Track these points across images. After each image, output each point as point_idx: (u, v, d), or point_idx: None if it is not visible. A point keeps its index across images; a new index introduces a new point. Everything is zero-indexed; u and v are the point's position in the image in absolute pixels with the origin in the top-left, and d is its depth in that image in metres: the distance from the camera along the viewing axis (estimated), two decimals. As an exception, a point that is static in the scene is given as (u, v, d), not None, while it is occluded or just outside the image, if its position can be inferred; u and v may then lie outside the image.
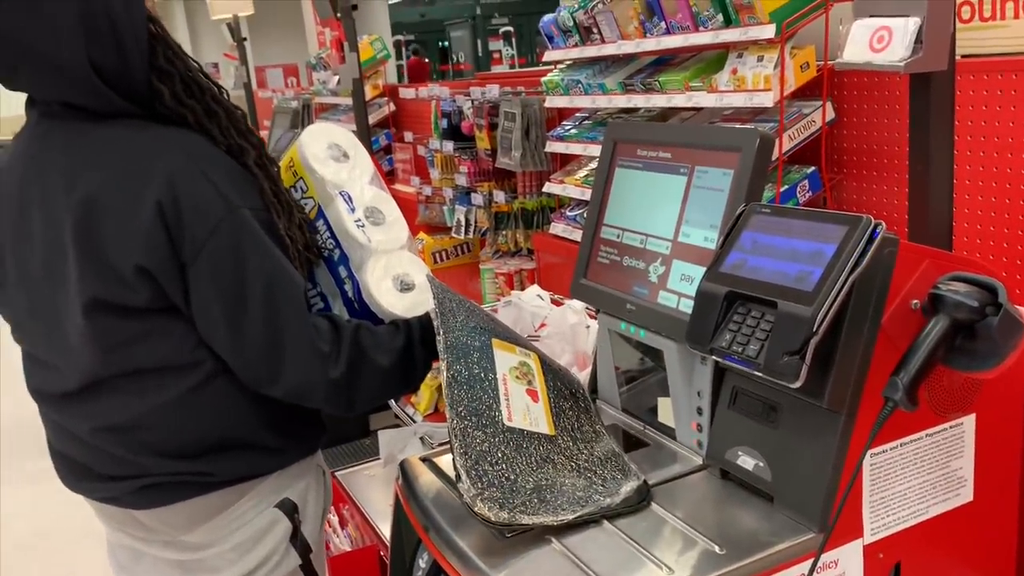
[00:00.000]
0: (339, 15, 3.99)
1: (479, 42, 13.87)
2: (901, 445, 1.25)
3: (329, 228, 1.48)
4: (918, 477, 1.27)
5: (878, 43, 1.29)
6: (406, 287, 1.48)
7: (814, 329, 1.10)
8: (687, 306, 1.39)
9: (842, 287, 1.10)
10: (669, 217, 1.47)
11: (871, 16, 1.31)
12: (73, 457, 1.36)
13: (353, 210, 1.47)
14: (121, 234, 1.19)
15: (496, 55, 13.64)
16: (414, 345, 1.38)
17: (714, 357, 1.23)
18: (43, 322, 1.30)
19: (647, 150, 1.54)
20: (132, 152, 1.23)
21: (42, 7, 1.14)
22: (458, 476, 1.21)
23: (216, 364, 1.28)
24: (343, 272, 1.48)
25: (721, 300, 1.23)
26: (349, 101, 4.53)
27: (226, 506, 1.34)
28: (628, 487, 1.31)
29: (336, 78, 4.77)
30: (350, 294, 1.47)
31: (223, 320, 1.23)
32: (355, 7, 4.00)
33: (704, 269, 1.36)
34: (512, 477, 1.24)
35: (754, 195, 1.32)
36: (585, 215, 2.68)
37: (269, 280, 1.23)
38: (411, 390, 1.46)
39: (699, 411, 1.43)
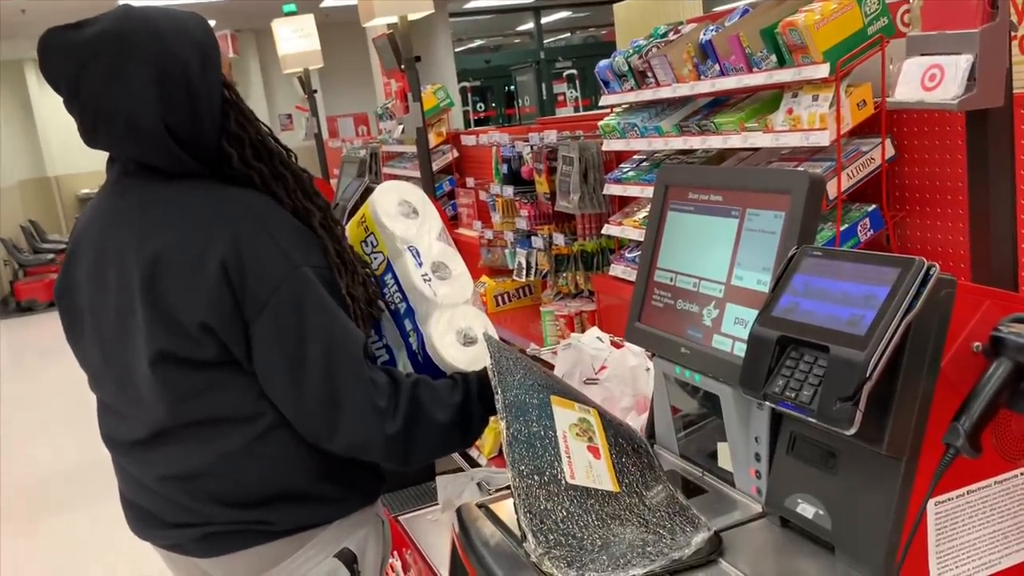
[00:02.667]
0: (403, 67, 4.10)
1: (543, 86, 14.03)
2: (968, 493, 1.20)
3: (397, 282, 1.52)
4: (988, 526, 1.22)
5: (930, 81, 1.28)
6: (469, 341, 1.51)
7: (867, 374, 1.07)
8: (741, 350, 1.37)
9: (895, 331, 1.08)
10: (721, 260, 1.46)
11: (922, 54, 1.30)
12: (141, 505, 1.41)
13: (420, 264, 1.50)
14: (186, 292, 1.24)
15: (560, 97, 13.77)
16: (472, 400, 1.39)
17: (767, 403, 1.21)
18: (115, 373, 1.36)
19: (698, 193, 1.54)
20: (199, 212, 1.28)
21: (122, 72, 1.21)
22: (523, 535, 1.21)
23: (277, 416, 1.31)
24: (408, 325, 1.51)
25: (773, 344, 1.21)
26: (414, 149, 4.64)
27: (286, 556, 1.36)
28: (699, 538, 1.28)
29: (400, 127, 4.90)
30: (414, 347, 1.50)
31: (283, 376, 1.26)
32: (418, 59, 4.11)
33: (757, 312, 1.35)
34: (579, 535, 1.24)
35: (806, 237, 1.31)
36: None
37: (328, 337, 1.26)
38: (468, 445, 1.47)
39: (757, 457, 1.40)
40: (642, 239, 2.76)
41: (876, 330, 1.08)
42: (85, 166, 14.56)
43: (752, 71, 2.10)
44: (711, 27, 2.29)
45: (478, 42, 18.26)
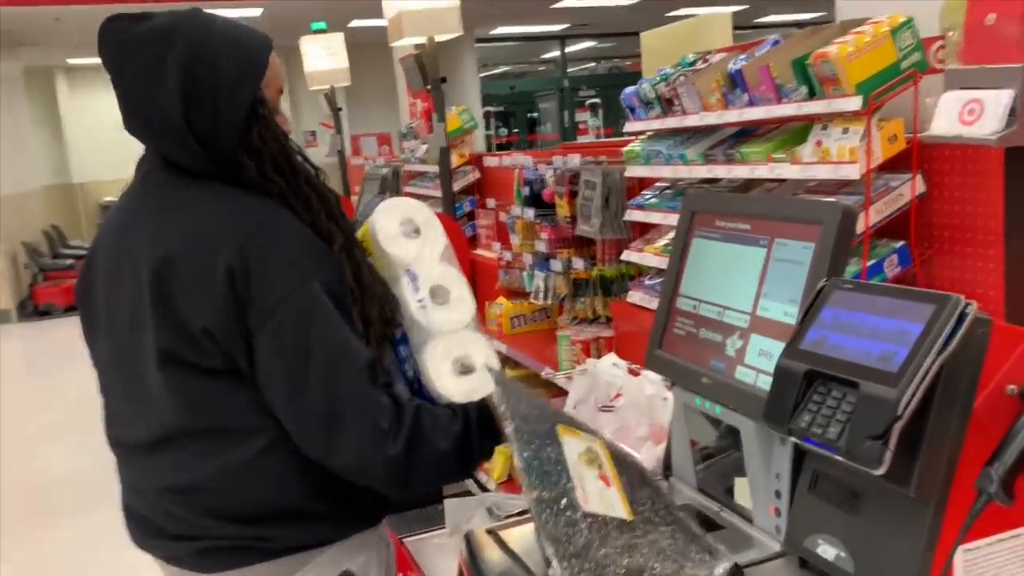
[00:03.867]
0: (429, 87, 4.11)
1: (566, 113, 14.09)
2: (999, 541, 1.16)
3: None
4: (1019, 577, 1.18)
5: (969, 115, 1.25)
6: (466, 369, 1.47)
7: (898, 413, 1.04)
8: (765, 383, 1.34)
9: (929, 369, 1.04)
10: (747, 290, 1.43)
11: (961, 88, 1.27)
12: (142, 514, 1.39)
13: (417, 290, 1.46)
14: (192, 295, 1.23)
15: (582, 126, 13.82)
16: (471, 431, 1.36)
17: (792, 438, 1.18)
18: (124, 373, 1.35)
19: (725, 221, 1.52)
20: (213, 215, 1.28)
21: (159, 66, 1.24)
22: (548, 563, 1.17)
23: (280, 431, 1.28)
24: (404, 352, 1.48)
25: (800, 378, 1.18)
26: (436, 169, 4.64)
27: (286, 574, 1.33)
28: (721, 569, 1.24)
29: (424, 147, 4.91)
30: (410, 375, 1.47)
31: (284, 390, 1.24)
32: (444, 80, 4.12)
33: (783, 344, 1.32)
34: (602, 562, 1.20)
35: (836, 270, 1.28)
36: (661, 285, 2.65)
37: (333, 354, 1.24)
38: (466, 475, 1.44)
39: (777, 494, 1.36)
40: (663, 267, 2.73)
41: (909, 368, 1.05)
42: (109, 174, 14.72)
43: (781, 102, 2.08)
44: (741, 57, 2.27)
45: (503, 68, 18.39)
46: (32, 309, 9.91)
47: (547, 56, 17.09)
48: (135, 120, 1.31)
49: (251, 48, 1.31)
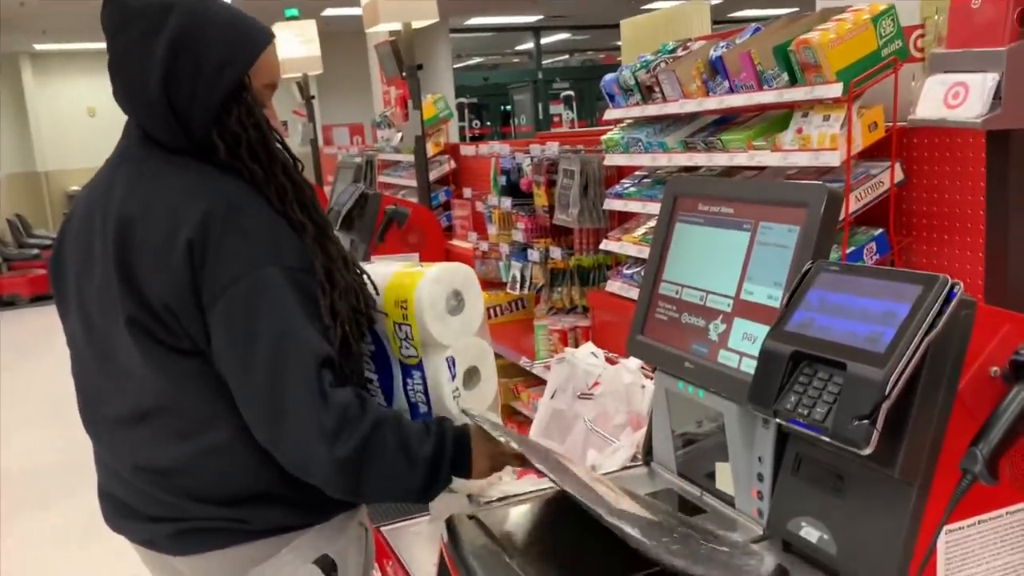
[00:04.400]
0: (405, 74, 4.08)
1: (540, 105, 14.07)
2: (980, 523, 1.17)
3: (424, 383, 1.44)
4: (999, 558, 1.18)
5: (953, 99, 1.25)
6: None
7: (886, 393, 1.04)
8: (749, 366, 1.34)
9: (916, 349, 1.04)
10: (731, 274, 1.43)
11: (946, 71, 1.27)
12: (117, 495, 1.37)
13: (453, 377, 1.43)
14: (153, 265, 1.23)
15: (556, 118, 13.82)
16: (443, 459, 1.31)
17: (777, 420, 1.17)
18: (97, 344, 1.33)
19: (709, 205, 1.51)
20: (180, 188, 1.27)
21: (149, 38, 1.25)
22: (621, 532, 1.14)
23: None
24: (417, 381, 1.46)
25: (786, 360, 1.17)
26: (411, 158, 4.60)
27: (262, 559, 1.32)
28: (767, 565, 1.17)
29: (399, 135, 4.87)
30: (422, 411, 1.46)
31: (232, 372, 1.22)
32: (420, 67, 4.08)
33: (768, 328, 1.31)
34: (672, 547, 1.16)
35: (821, 252, 1.28)
36: (642, 272, 2.64)
37: (280, 342, 1.21)
38: (423, 502, 1.40)
39: (760, 477, 1.36)
40: (642, 256, 2.73)
41: (896, 348, 1.04)
42: (76, 163, 14.49)
43: (763, 89, 2.08)
44: (722, 44, 2.27)
45: (476, 60, 18.33)
46: (-4, 299, 9.73)
47: (521, 48, 17.06)
48: (119, 88, 1.31)
49: (245, 35, 1.30)
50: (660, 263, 1.60)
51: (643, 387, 2.15)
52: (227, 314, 1.20)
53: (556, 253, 3.19)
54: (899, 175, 1.94)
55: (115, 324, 1.27)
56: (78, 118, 14.37)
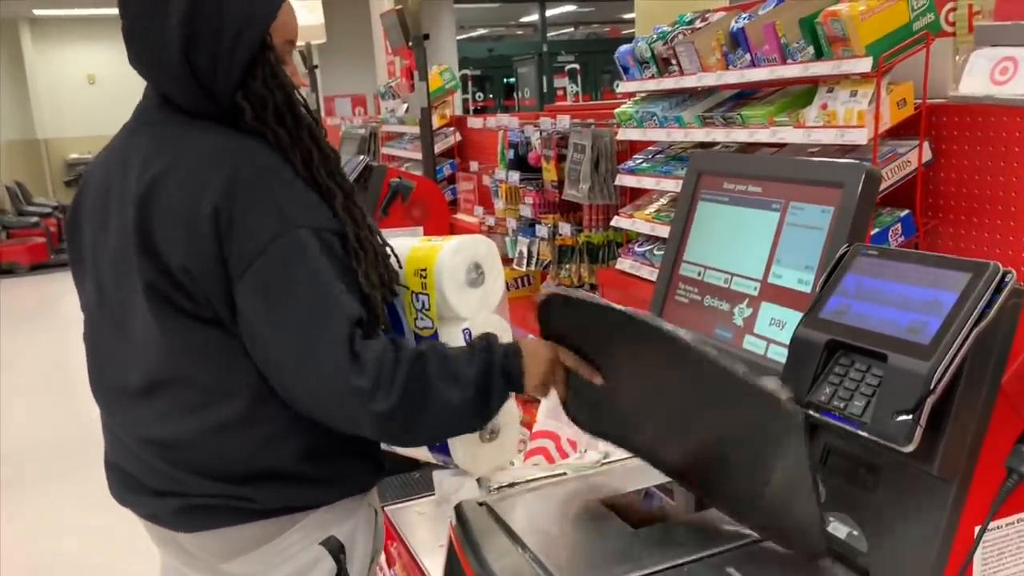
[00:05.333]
0: (411, 44, 3.99)
1: (544, 78, 13.91)
2: (1019, 522, 1.11)
3: None
4: (1037, 559, 1.13)
5: (1001, 75, 1.18)
6: (490, 435, 1.43)
7: (931, 387, 0.98)
8: (777, 353, 1.28)
9: (964, 341, 0.98)
10: (758, 256, 1.36)
11: (993, 45, 1.20)
12: (124, 467, 1.34)
13: None
14: (174, 231, 1.18)
15: (560, 92, 13.67)
16: (494, 371, 1.25)
17: (811, 412, 1.11)
18: (112, 311, 1.29)
19: (734, 183, 1.44)
20: (204, 152, 1.22)
21: (163, 3, 1.20)
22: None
23: (267, 389, 1.23)
24: None
25: (821, 349, 1.11)
26: (415, 130, 4.51)
27: (268, 538, 1.28)
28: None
29: (404, 106, 4.78)
30: None
31: (262, 340, 1.19)
32: (427, 36, 3.99)
33: (797, 314, 1.25)
34: None
35: (857, 235, 1.21)
36: (656, 250, 2.57)
37: (313, 305, 1.17)
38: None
39: (785, 469, 1.30)
40: (654, 233, 2.66)
41: (943, 339, 0.98)
42: (76, 130, 14.36)
43: (786, 62, 2.00)
44: (743, 15, 2.18)
45: (480, 31, 18.11)
46: (-5, 267, 9.67)
47: (525, 20, 16.84)
48: (136, 54, 1.27)
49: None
50: (681, 243, 1.53)
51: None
52: (258, 278, 1.17)
53: (565, 229, 3.12)
54: (927, 154, 1.87)
55: (132, 292, 1.23)
56: (78, 85, 14.22)
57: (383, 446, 1.41)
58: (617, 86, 2.79)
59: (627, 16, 16.82)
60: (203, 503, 1.26)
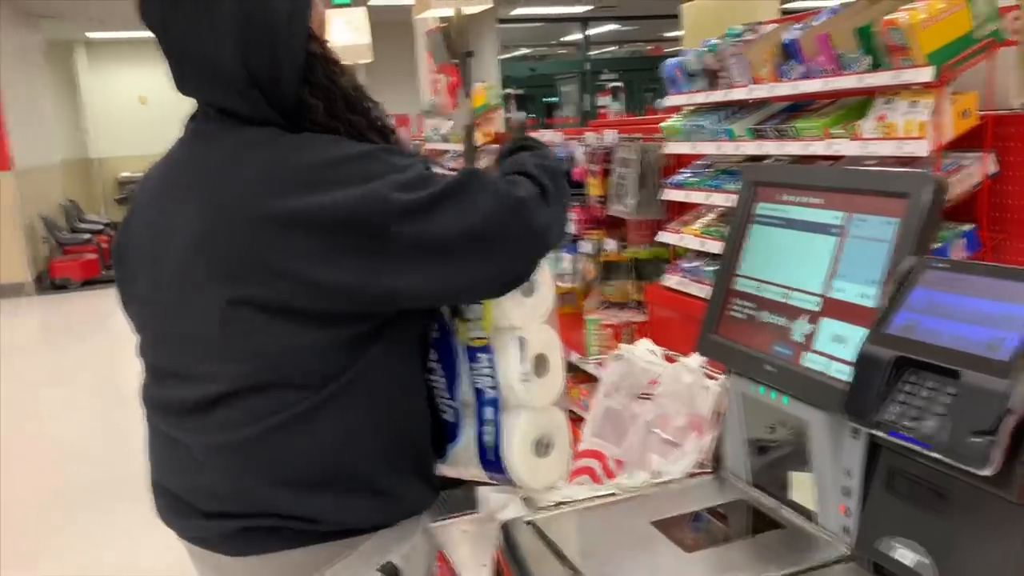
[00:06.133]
0: (456, 61, 3.99)
1: (587, 96, 13.92)
2: (1103, 551, 1.04)
3: (492, 368, 1.37)
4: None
5: (1079, 80, 1.12)
6: (545, 450, 1.39)
7: (1010, 406, 0.92)
8: (839, 371, 1.23)
9: (1047, 358, 0.93)
10: (818, 270, 1.32)
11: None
12: (173, 490, 1.29)
13: (524, 360, 1.36)
14: (271, 236, 1.14)
15: (603, 110, 13.65)
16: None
17: (878, 432, 1.06)
18: (178, 328, 1.24)
19: (793, 195, 1.40)
20: (287, 149, 1.19)
21: (208, 12, 1.18)
22: None
23: (347, 386, 1.19)
24: (489, 414, 1.38)
25: (889, 366, 1.06)
26: (459, 147, 4.52)
27: (323, 564, 1.23)
28: None
29: (449, 123, 4.79)
30: (487, 437, 1.37)
31: (427, 277, 1.17)
32: (471, 54, 3.99)
33: (861, 329, 1.20)
34: None
35: (923, 248, 1.16)
36: (705, 266, 2.53)
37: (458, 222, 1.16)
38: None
39: (847, 492, 1.25)
40: (703, 249, 2.62)
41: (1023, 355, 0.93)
42: (127, 150, 14.71)
43: (842, 73, 1.95)
44: (796, 27, 2.14)
45: (523, 50, 18.20)
46: (49, 282, 9.88)
47: (567, 39, 16.89)
48: (188, 75, 1.24)
49: None
50: (735, 256, 1.49)
51: (706, 388, 2.03)
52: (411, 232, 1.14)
53: (610, 245, 3.09)
54: (993, 167, 1.80)
55: (206, 308, 1.18)
56: (129, 106, 14.58)
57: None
58: (659, 104, 2.76)
59: (669, 34, 16.80)
60: (259, 524, 1.22)
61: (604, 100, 13.78)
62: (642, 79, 14.23)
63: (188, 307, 1.21)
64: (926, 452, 1.00)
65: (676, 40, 16.88)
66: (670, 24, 15.94)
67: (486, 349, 1.37)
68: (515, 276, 1.26)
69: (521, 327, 1.38)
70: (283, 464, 1.20)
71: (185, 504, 1.27)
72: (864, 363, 1.10)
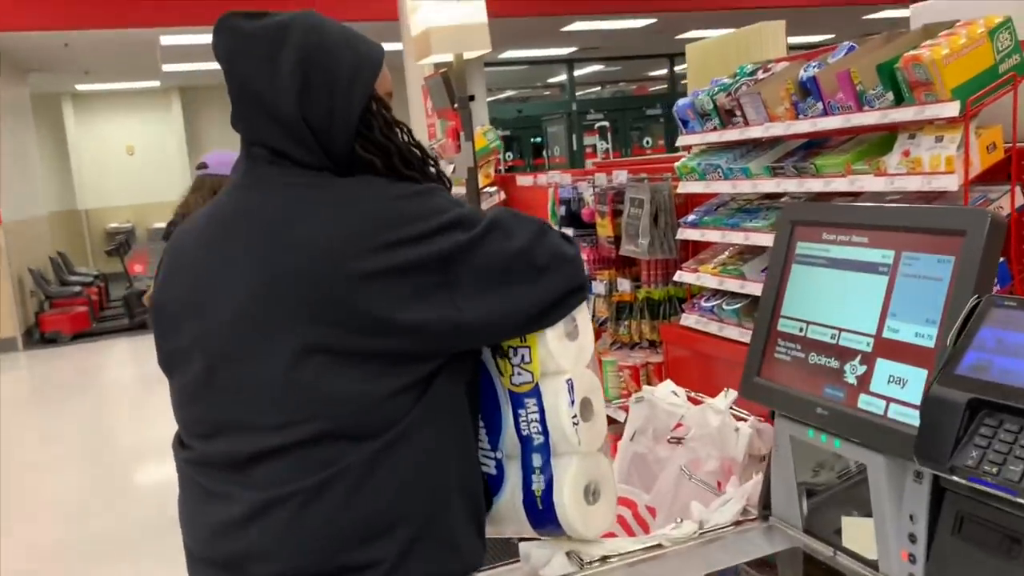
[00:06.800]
0: (456, 106, 4.00)
1: (574, 136, 14.04)
2: None
3: (541, 411, 1.34)
4: None
5: None
6: (593, 497, 1.37)
7: (1102, 449, 0.89)
8: (899, 413, 1.20)
9: None
10: (868, 309, 1.29)
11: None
12: (222, 559, 1.22)
13: (572, 403, 1.34)
14: (347, 284, 1.14)
15: (590, 149, 13.76)
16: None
17: (955, 477, 1.03)
18: (235, 382, 1.20)
19: (835, 233, 1.38)
20: (343, 195, 1.21)
21: (274, 57, 1.21)
22: None
23: (405, 431, 1.17)
24: (538, 461, 1.34)
25: (962, 409, 1.03)
26: (462, 190, 4.51)
27: None
28: None
29: (452, 167, 4.79)
30: (535, 485, 1.34)
31: (490, 311, 1.22)
32: (472, 98, 4.01)
33: (919, 370, 1.18)
34: None
35: (984, 286, 1.14)
36: (725, 304, 2.50)
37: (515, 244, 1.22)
38: None
39: (912, 538, 1.21)
40: (720, 287, 2.60)
41: (1112, 396, 0.91)
42: (115, 200, 14.68)
43: (863, 109, 1.95)
44: (812, 64, 2.15)
45: (508, 93, 18.39)
46: (38, 336, 9.76)
47: (553, 80, 17.07)
48: (246, 114, 1.25)
49: (366, 51, 1.27)
50: (778, 298, 1.46)
51: (736, 430, 1.99)
52: (473, 271, 1.20)
53: (624, 285, 3.07)
54: (1021, 199, 1.80)
55: (281, 350, 1.16)
56: (117, 156, 14.59)
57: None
58: (647, 142, 2.76)
59: (653, 73, 17.04)
60: None
61: (591, 139, 13.90)
62: (627, 118, 14.39)
63: (249, 355, 1.18)
64: (1011, 498, 0.97)
65: (660, 79, 17.15)
66: (654, 64, 16.19)
67: (534, 393, 1.34)
68: (561, 296, 1.29)
69: (568, 370, 1.35)
70: (337, 517, 1.16)
71: (232, 570, 1.21)
72: (934, 406, 1.07)
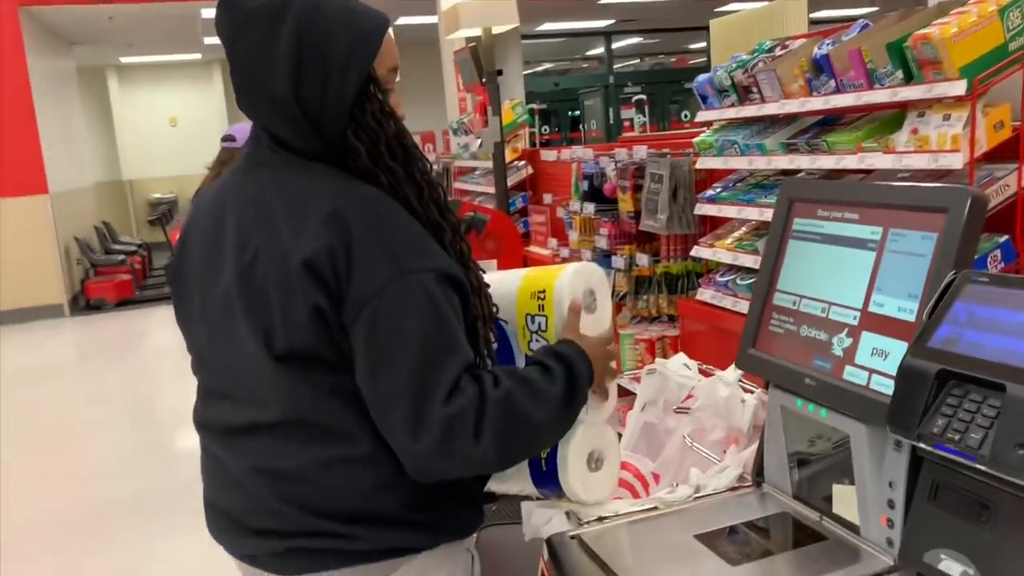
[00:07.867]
0: (484, 80, 4.05)
1: (611, 110, 13.93)
2: None
3: None
4: None
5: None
6: (596, 465, 1.44)
7: (1055, 418, 0.94)
8: (880, 384, 1.24)
9: (1091, 370, 0.94)
10: (856, 284, 1.33)
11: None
12: (224, 507, 1.33)
13: None
14: (292, 281, 1.17)
15: (627, 123, 13.65)
16: (577, 383, 1.28)
17: (921, 444, 1.08)
18: (224, 359, 1.28)
19: (829, 210, 1.42)
20: (317, 195, 1.20)
21: (272, 36, 1.21)
22: None
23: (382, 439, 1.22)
24: None
25: (931, 379, 1.08)
26: (488, 164, 4.57)
27: None
28: None
29: (478, 141, 4.84)
30: (543, 454, 1.41)
31: (369, 384, 1.17)
32: (500, 72, 4.05)
33: (900, 343, 1.22)
34: None
35: (963, 262, 1.18)
36: (739, 280, 2.54)
37: (425, 353, 1.16)
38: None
39: (891, 504, 1.26)
40: (735, 263, 2.63)
41: (1068, 368, 0.95)
42: (158, 171, 14.97)
43: (873, 87, 1.96)
44: (827, 42, 2.16)
45: (545, 65, 18.29)
46: (84, 303, 10.06)
47: (591, 53, 16.94)
48: (245, 94, 1.27)
49: (366, 26, 1.24)
50: (774, 272, 1.51)
51: (742, 401, 2.04)
52: (368, 326, 1.15)
53: (642, 260, 3.11)
54: (1027, 178, 1.81)
55: (243, 342, 1.23)
56: (160, 128, 14.85)
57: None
58: (685, 116, 2.79)
59: (692, 46, 16.82)
60: (305, 544, 1.25)
61: (628, 113, 13.77)
62: (666, 91, 14.21)
63: (231, 340, 1.25)
64: (971, 464, 1.01)
65: (700, 52, 16.91)
66: (693, 36, 15.97)
67: None
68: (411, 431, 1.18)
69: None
70: (319, 497, 1.23)
71: (234, 521, 1.31)
72: (906, 376, 1.12)
